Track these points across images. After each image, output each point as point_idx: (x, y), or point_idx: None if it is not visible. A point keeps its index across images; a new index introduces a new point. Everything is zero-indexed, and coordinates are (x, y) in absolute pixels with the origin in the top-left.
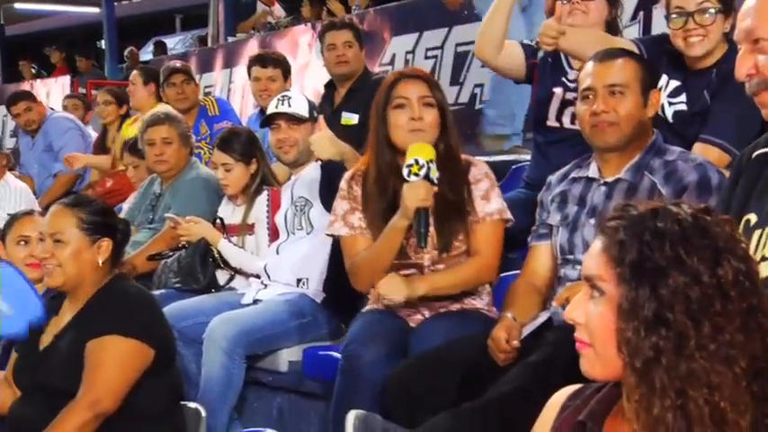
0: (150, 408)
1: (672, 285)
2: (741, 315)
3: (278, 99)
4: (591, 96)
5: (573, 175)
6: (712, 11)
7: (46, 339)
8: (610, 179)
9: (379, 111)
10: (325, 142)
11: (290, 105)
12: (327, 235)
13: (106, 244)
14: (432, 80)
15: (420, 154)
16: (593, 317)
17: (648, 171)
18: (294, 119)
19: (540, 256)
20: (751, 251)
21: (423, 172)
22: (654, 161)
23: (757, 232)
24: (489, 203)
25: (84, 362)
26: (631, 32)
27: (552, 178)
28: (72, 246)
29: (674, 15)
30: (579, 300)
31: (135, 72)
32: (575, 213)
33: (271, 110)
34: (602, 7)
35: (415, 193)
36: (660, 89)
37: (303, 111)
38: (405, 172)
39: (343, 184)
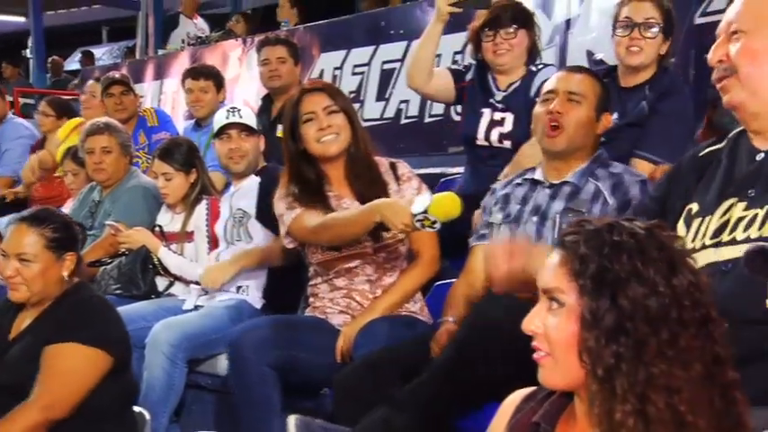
0: (103, 411)
1: (631, 296)
2: (695, 323)
3: (228, 110)
4: (551, 98)
5: (517, 180)
6: (656, 29)
7: (3, 341)
8: (555, 182)
9: (291, 127)
10: (215, 274)
11: (240, 116)
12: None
13: (71, 258)
14: (332, 89)
15: (443, 214)
16: (551, 327)
17: (594, 178)
18: (245, 129)
19: (481, 255)
20: (689, 238)
21: (428, 225)
22: (599, 170)
23: (697, 220)
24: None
25: (41, 366)
26: (548, 55)
27: (497, 185)
28: (39, 264)
29: (621, 25)
30: (537, 311)
31: (97, 84)
32: (517, 211)
33: (222, 121)
34: (523, 39)
35: (400, 218)
36: (612, 114)
37: (253, 122)
38: (419, 213)
39: (277, 205)
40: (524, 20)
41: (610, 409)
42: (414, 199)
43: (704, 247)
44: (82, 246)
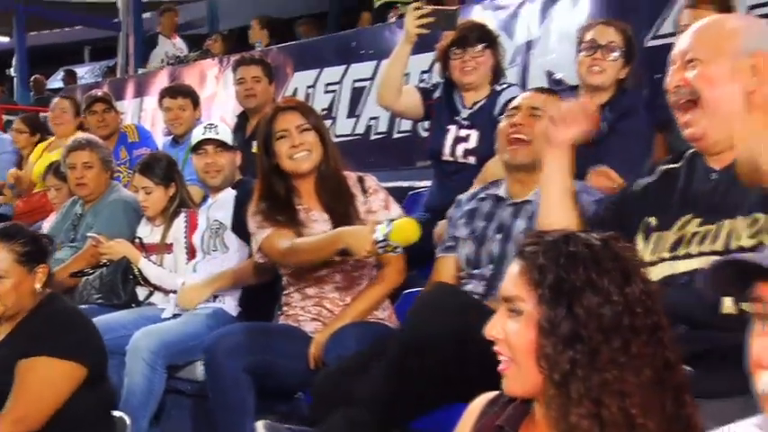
0: (80, 419)
1: (586, 305)
2: (646, 330)
3: (205, 127)
4: (514, 113)
5: (482, 194)
6: (617, 53)
7: None
8: (518, 200)
9: (264, 143)
10: (191, 294)
11: (217, 133)
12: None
13: (42, 270)
14: (305, 107)
15: (403, 240)
16: (512, 334)
17: None
18: (221, 145)
19: (446, 266)
20: (649, 251)
21: (389, 251)
22: None
23: (656, 234)
24: (390, 212)
25: (15, 379)
26: (511, 75)
27: (462, 197)
28: (11, 279)
29: (585, 47)
30: (498, 317)
31: (67, 102)
32: (482, 228)
33: (198, 137)
34: (489, 58)
35: (363, 245)
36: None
37: (228, 139)
38: (380, 240)
39: (249, 222)
40: (490, 40)
41: (566, 413)
42: (375, 227)
43: (662, 260)
44: (51, 257)
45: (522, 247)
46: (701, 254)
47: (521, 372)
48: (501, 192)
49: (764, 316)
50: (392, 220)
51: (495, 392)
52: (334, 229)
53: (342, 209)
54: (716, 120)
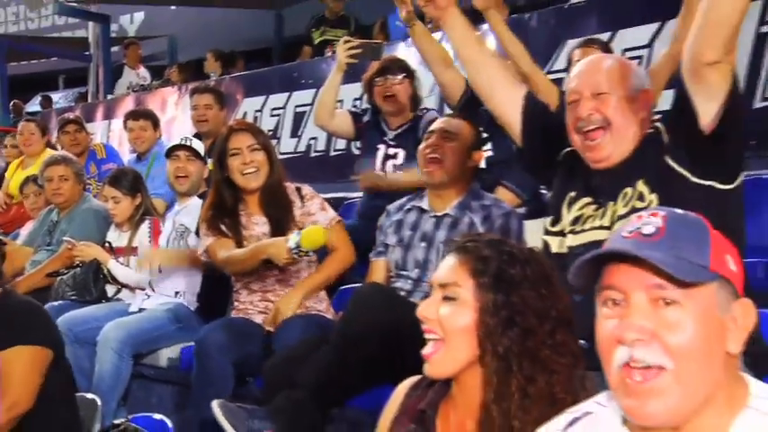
0: (53, 396)
1: (522, 295)
2: (566, 323)
3: (181, 138)
4: (430, 136)
5: (407, 206)
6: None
7: None
8: (439, 213)
9: (219, 158)
10: (151, 256)
11: (190, 142)
12: (203, 260)
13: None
14: (255, 129)
15: (311, 244)
16: (445, 316)
17: (469, 210)
18: (192, 152)
19: (379, 269)
20: (570, 219)
21: (303, 256)
22: (473, 203)
23: (579, 202)
24: (327, 213)
25: None
26: (430, 102)
27: (390, 207)
28: None
29: None
30: (431, 301)
31: (32, 124)
32: (408, 237)
33: (173, 143)
34: (407, 86)
35: (281, 253)
36: (483, 151)
37: (200, 150)
38: (294, 248)
39: (200, 226)
40: (408, 71)
41: (506, 382)
42: (288, 237)
43: (565, 233)
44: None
45: (461, 243)
46: (593, 228)
47: (449, 351)
48: (424, 204)
49: (611, 300)
50: (301, 230)
51: (418, 377)
52: (257, 242)
53: (279, 215)
54: (621, 140)
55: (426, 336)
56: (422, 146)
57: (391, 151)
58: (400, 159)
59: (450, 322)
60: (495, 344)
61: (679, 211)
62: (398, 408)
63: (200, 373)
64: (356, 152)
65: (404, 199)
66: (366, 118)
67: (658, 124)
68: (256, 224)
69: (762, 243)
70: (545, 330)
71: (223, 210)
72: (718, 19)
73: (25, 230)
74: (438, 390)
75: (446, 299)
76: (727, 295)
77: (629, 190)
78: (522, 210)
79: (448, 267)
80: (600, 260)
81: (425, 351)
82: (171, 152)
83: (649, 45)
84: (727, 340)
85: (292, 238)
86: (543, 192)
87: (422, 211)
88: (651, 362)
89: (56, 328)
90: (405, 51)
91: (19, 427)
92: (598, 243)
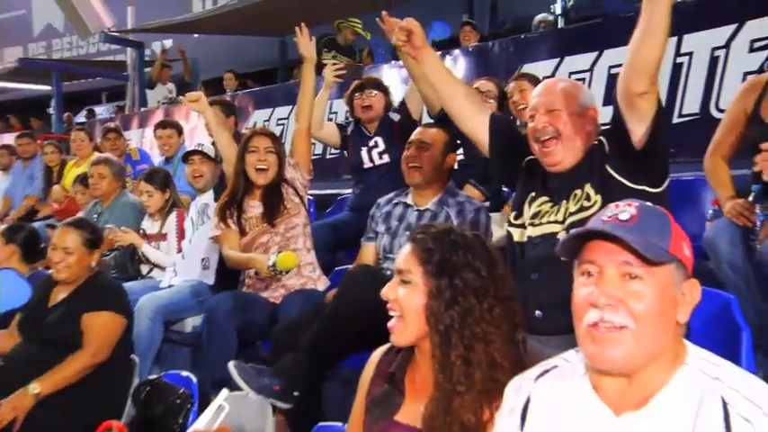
0: (117, 354)
1: (463, 277)
2: (504, 299)
3: (195, 145)
4: (409, 146)
5: (395, 200)
6: (492, 100)
7: (44, 308)
8: (421, 208)
9: (240, 154)
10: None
11: (202, 147)
12: (210, 238)
13: (97, 254)
14: (273, 136)
15: (283, 266)
16: (402, 297)
17: (446, 205)
18: (205, 156)
19: (369, 251)
20: (530, 214)
21: (277, 274)
22: (449, 200)
23: (537, 200)
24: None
25: (85, 327)
26: None
27: (381, 201)
28: (77, 255)
29: None
30: (392, 284)
31: (82, 133)
32: (395, 227)
33: (188, 149)
34: (381, 99)
35: (262, 268)
36: (456, 154)
37: (211, 153)
38: (272, 267)
39: (215, 213)
40: (381, 87)
41: (446, 354)
42: (270, 256)
43: (525, 225)
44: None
45: (414, 235)
46: (548, 222)
47: (407, 326)
48: (408, 200)
49: (587, 272)
50: (279, 252)
51: (389, 344)
52: (249, 255)
53: (271, 203)
54: (570, 148)
55: (390, 312)
56: (404, 155)
57: (371, 143)
58: (381, 146)
59: (406, 302)
60: (437, 322)
61: (648, 204)
62: (374, 371)
63: (209, 334)
64: (346, 155)
65: (392, 194)
66: (350, 128)
67: (602, 137)
68: (253, 207)
69: (687, 229)
70: (483, 308)
71: (233, 200)
72: (643, 60)
73: None
74: (405, 354)
75: (403, 282)
76: (681, 275)
77: (578, 191)
78: (486, 204)
79: (404, 255)
80: (583, 237)
81: (390, 324)
82: (187, 157)
83: (590, 70)
84: (677, 312)
85: (272, 258)
86: (504, 190)
87: (407, 205)
88: (618, 323)
89: (129, 305)
90: (389, 71)
91: (92, 374)
92: (552, 234)
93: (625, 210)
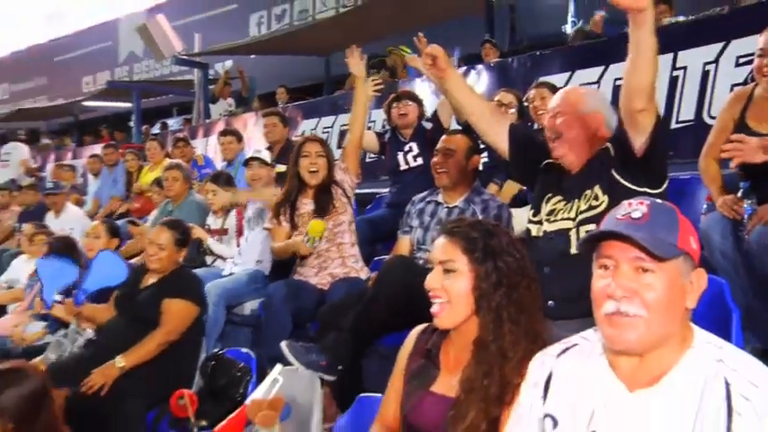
0: (191, 339)
1: (505, 260)
2: (535, 280)
3: (254, 151)
4: (436, 154)
5: (428, 199)
6: (513, 110)
7: (137, 289)
8: (450, 205)
9: (294, 158)
10: (222, 197)
11: (260, 154)
12: (264, 228)
13: (184, 251)
14: (323, 141)
15: (314, 233)
16: (449, 284)
17: (473, 203)
18: (262, 162)
19: (404, 243)
20: (546, 211)
21: (312, 243)
22: (475, 198)
23: (553, 200)
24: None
25: (164, 310)
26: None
27: (416, 198)
28: (168, 251)
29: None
30: (435, 275)
31: (155, 142)
32: (427, 222)
33: (248, 155)
34: (414, 109)
35: (300, 248)
36: (480, 156)
37: (266, 158)
38: (306, 239)
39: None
40: (415, 98)
41: (499, 327)
42: (302, 238)
43: (542, 222)
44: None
45: (450, 228)
46: (561, 219)
47: (454, 310)
48: (439, 198)
49: (604, 265)
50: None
51: (425, 324)
52: (290, 240)
53: (324, 200)
54: (571, 148)
55: (433, 300)
56: (432, 161)
57: (406, 147)
58: (415, 150)
59: (452, 288)
60: (489, 301)
61: (659, 200)
62: (412, 347)
63: (267, 317)
64: (383, 158)
65: (425, 193)
66: (387, 135)
67: (609, 144)
68: (305, 205)
69: None
70: (523, 284)
71: (287, 198)
72: (639, 82)
73: (151, 217)
74: (440, 333)
75: (446, 271)
76: (689, 266)
77: (588, 192)
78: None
79: (443, 247)
80: (599, 238)
81: (433, 310)
82: (246, 162)
83: (597, 82)
84: (686, 299)
85: (303, 237)
86: (522, 189)
87: (437, 203)
88: (632, 312)
89: (204, 294)
90: (421, 84)
91: (168, 351)
92: (565, 230)
93: (637, 208)
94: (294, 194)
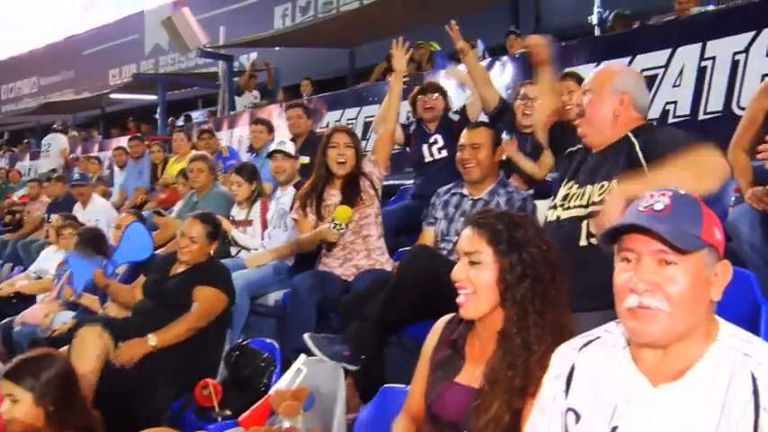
0: (214, 326)
1: (530, 251)
2: (559, 271)
3: (277, 143)
4: (461, 149)
5: (453, 191)
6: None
7: (167, 277)
8: (475, 197)
9: (322, 148)
10: (255, 259)
11: (284, 146)
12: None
13: (216, 244)
14: (351, 132)
15: (341, 218)
16: (474, 275)
17: (497, 195)
18: (285, 154)
19: (428, 234)
20: (561, 196)
21: (339, 229)
22: (500, 190)
23: (568, 184)
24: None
25: (196, 296)
26: None
27: (440, 190)
28: (199, 243)
29: (519, 98)
30: (461, 266)
31: (182, 134)
32: (452, 213)
33: (272, 148)
34: (440, 101)
35: (327, 235)
36: (504, 147)
37: (291, 151)
38: (332, 225)
39: (295, 202)
40: (441, 91)
41: (523, 319)
42: (328, 224)
43: (556, 207)
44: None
45: (475, 219)
46: (575, 206)
47: (479, 300)
48: (464, 191)
49: (626, 258)
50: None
51: (451, 315)
52: (316, 229)
53: (352, 191)
54: (593, 128)
55: (459, 291)
56: (458, 157)
57: (431, 140)
58: (440, 143)
59: (478, 280)
60: (513, 293)
61: (681, 191)
62: (437, 338)
63: (292, 308)
64: (408, 151)
65: (450, 185)
66: (412, 127)
67: (630, 136)
68: (333, 195)
69: None
70: (548, 277)
71: (314, 189)
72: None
73: (176, 207)
74: (466, 324)
75: (472, 263)
76: (713, 258)
77: (605, 183)
78: (530, 191)
79: (469, 239)
80: (620, 230)
81: (459, 300)
82: (270, 155)
83: None
84: (710, 292)
85: (330, 224)
86: (546, 179)
87: (462, 195)
88: (654, 306)
89: (232, 285)
90: (443, 77)
91: (194, 340)
92: (577, 218)
93: (659, 200)
94: (321, 185)
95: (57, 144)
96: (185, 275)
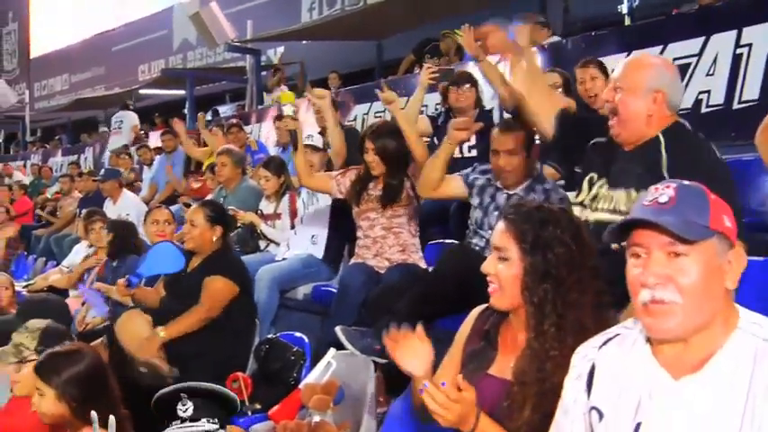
0: (236, 319)
1: (555, 252)
2: (590, 270)
3: (305, 136)
4: (495, 154)
5: (489, 176)
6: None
7: (185, 271)
8: (510, 192)
9: (361, 143)
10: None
11: (312, 140)
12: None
13: (219, 229)
14: (379, 134)
15: (286, 101)
16: (501, 271)
17: (533, 192)
18: (312, 148)
19: (454, 179)
20: (591, 195)
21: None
22: (537, 186)
23: (598, 183)
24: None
25: (204, 287)
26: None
27: (479, 166)
28: (200, 228)
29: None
30: (491, 260)
31: (217, 128)
32: (487, 203)
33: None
34: (472, 93)
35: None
36: (536, 145)
37: (319, 144)
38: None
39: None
40: (473, 82)
41: (540, 322)
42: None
43: (584, 205)
44: (233, 228)
45: (507, 213)
46: (601, 210)
47: (505, 294)
48: (499, 183)
49: (636, 254)
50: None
51: (484, 305)
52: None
53: (390, 191)
54: (626, 126)
55: (489, 284)
56: (494, 163)
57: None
58: (473, 141)
59: (504, 276)
60: (532, 295)
61: (686, 182)
62: (471, 328)
63: (339, 302)
64: (436, 142)
65: (487, 166)
66: (441, 119)
67: (661, 138)
68: (375, 189)
69: (748, 205)
70: (573, 279)
71: (362, 178)
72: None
73: None
74: (498, 315)
75: (500, 258)
76: (725, 246)
77: (632, 192)
78: (561, 182)
79: (499, 233)
80: (627, 227)
81: (490, 289)
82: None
83: None
84: (725, 280)
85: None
86: (577, 171)
87: (498, 188)
88: (668, 299)
89: (244, 273)
90: (473, 68)
91: (223, 334)
92: (603, 222)
93: (664, 192)
94: (368, 178)
95: (128, 120)
96: (199, 268)
